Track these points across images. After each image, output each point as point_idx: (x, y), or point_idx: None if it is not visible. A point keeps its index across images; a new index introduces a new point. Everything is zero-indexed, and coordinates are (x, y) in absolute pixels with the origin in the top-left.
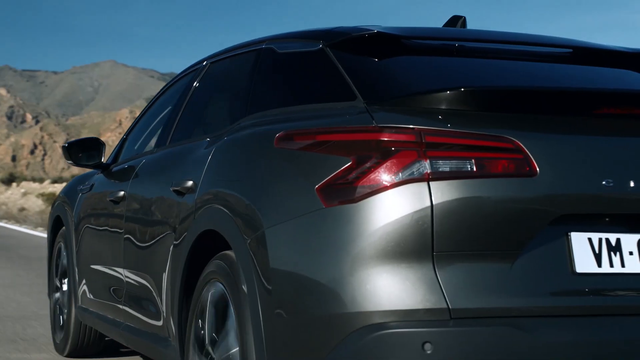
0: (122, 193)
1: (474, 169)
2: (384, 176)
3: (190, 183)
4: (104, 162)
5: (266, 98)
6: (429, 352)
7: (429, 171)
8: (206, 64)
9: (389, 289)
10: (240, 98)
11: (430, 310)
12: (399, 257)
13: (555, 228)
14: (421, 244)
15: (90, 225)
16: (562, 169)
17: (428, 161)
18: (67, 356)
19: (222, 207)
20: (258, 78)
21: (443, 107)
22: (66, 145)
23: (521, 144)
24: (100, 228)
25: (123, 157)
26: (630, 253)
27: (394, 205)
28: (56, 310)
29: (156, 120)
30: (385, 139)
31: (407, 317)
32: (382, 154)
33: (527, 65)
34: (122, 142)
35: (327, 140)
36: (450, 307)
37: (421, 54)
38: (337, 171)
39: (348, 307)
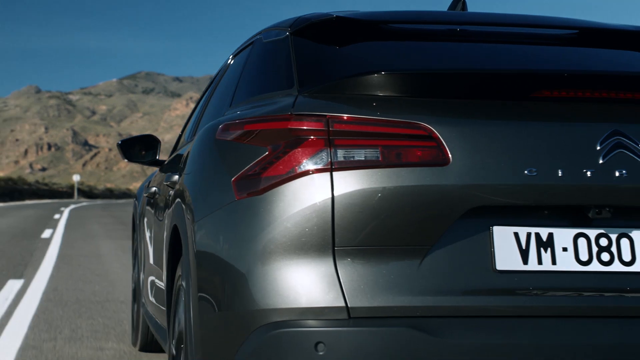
0: (153, 189)
1: (380, 158)
2: (289, 166)
3: (175, 177)
4: (159, 158)
5: (244, 90)
6: (321, 353)
7: (333, 161)
8: (231, 57)
9: (289, 285)
10: (231, 91)
11: (327, 308)
12: (300, 252)
13: (475, 221)
14: (321, 239)
15: (142, 224)
16: (477, 157)
17: (333, 150)
18: (140, 350)
19: (180, 202)
20: (245, 70)
21: (365, 92)
22: (120, 143)
23: (434, 131)
24: (144, 225)
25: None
26: (564, 249)
27: (296, 197)
28: (133, 307)
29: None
30: (295, 127)
31: (303, 315)
32: (291, 143)
33: (482, 47)
34: (179, 138)
35: (251, 130)
36: (349, 305)
37: (378, 38)
38: (253, 162)
39: (251, 304)
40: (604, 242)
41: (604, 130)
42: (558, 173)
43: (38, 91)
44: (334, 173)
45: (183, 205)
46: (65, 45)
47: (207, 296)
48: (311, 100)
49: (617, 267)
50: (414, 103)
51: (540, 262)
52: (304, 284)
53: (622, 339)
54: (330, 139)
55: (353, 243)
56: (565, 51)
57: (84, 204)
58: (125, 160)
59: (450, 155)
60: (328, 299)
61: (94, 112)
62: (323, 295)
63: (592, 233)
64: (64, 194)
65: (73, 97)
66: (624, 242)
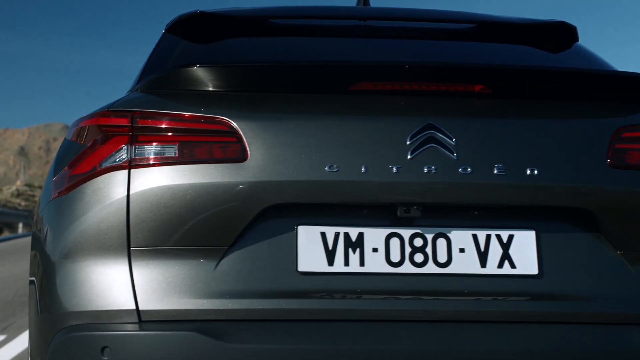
0: None
1: (178, 154)
2: (92, 164)
3: None
4: None
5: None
6: (106, 358)
7: (132, 157)
8: None
9: (87, 288)
10: None
11: (118, 312)
12: (98, 253)
13: (281, 221)
14: (118, 239)
15: None
16: (277, 153)
17: (134, 147)
18: None
19: None
20: None
21: (182, 87)
22: None
23: (236, 126)
24: None
25: None
26: (375, 250)
27: (95, 195)
28: None
29: None
30: (105, 124)
31: (95, 319)
32: (100, 140)
33: (334, 41)
34: None
35: (82, 127)
36: (140, 308)
37: (237, 34)
38: (71, 160)
39: (56, 307)
40: (418, 242)
41: (417, 124)
42: (361, 170)
43: None
44: (132, 170)
45: None
46: None
47: (31, 298)
48: (134, 96)
49: (431, 268)
50: (221, 97)
51: (347, 263)
52: (100, 286)
53: (425, 345)
54: (133, 135)
55: (149, 243)
56: (414, 44)
57: None
58: None
59: (249, 151)
60: (120, 302)
61: None
62: (115, 298)
63: (406, 233)
64: None
65: None
66: (441, 242)
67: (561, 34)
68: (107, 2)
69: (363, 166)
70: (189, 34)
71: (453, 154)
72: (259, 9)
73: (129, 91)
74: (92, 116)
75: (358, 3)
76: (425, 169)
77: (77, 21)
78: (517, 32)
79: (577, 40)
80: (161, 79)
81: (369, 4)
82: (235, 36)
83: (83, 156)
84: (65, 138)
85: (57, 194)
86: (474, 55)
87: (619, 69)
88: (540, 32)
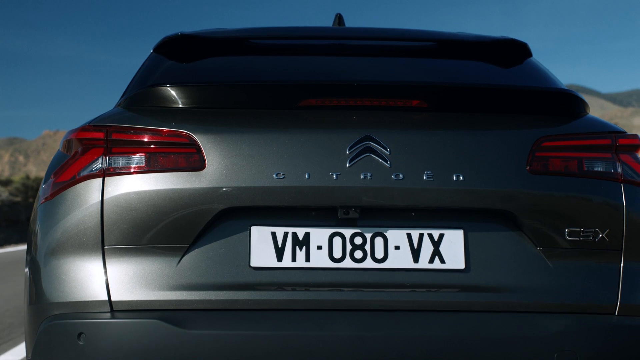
0: None
1: (144, 164)
2: (73, 173)
3: None
4: None
5: None
6: (81, 342)
7: (106, 167)
8: None
9: (67, 281)
10: None
11: (93, 302)
12: (77, 251)
13: (236, 222)
14: (93, 238)
15: None
16: (231, 161)
17: (107, 157)
18: None
19: None
20: None
21: (153, 105)
22: None
23: (196, 138)
24: None
25: None
26: (319, 247)
27: (75, 201)
28: None
29: None
30: (84, 137)
31: (73, 309)
32: (80, 152)
33: (309, 59)
34: None
35: (69, 139)
36: (112, 299)
37: (215, 54)
38: (56, 169)
39: (40, 299)
40: (358, 240)
41: (356, 135)
42: (305, 176)
43: None
44: (106, 178)
45: None
46: None
47: (25, 290)
48: (112, 113)
49: (369, 264)
50: (185, 113)
51: (294, 259)
52: (78, 280)
53: (363, 331)
54: (107, 148)
55: (120, 242)
56: (375, 61)
57: None
58: None
59: (207, 161)
60: (94, 293)
61: None
62: (91, 291)
63: (347, 232)
64: None
65: None
66: (378, 240)
67: (513, 50)
68: (152, 6)
69: (307, 173)
70: (172, 55)
71: (387, 162)
72: (240, 30)
73: (114, 106)
74: (76, 130)
75: (334, 24)
76: (362, 176)
77: (122, 25)
78: (473, 49)
79: (530, 56)
80: (135, 96)
81: (344, 24)
82: (212, 56)
83: (65, 166)
84: (59, 150)
85: (43, 200)
86: (426, 72)
87: (565, 84)
88: (494, 49)
